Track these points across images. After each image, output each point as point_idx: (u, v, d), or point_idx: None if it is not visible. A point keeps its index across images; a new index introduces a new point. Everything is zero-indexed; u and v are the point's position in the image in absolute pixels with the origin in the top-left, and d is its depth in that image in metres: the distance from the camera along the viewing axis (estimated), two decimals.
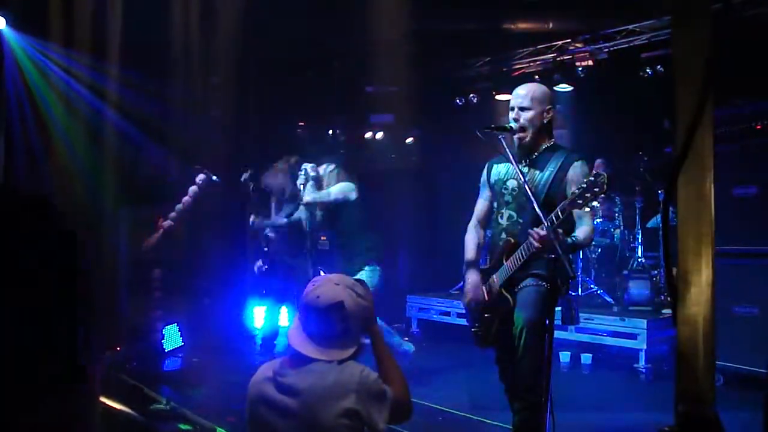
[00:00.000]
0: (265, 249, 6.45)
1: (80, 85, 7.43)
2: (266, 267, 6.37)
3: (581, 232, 3.71)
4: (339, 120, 10.25)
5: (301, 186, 5.85)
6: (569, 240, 3.61)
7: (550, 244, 3.33)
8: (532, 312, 3.63)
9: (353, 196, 5.92)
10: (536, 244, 3.49)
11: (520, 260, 3.70)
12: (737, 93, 5.78)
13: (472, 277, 4.03)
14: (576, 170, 3.77)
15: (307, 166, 5.92)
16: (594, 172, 3.33)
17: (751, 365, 5.17)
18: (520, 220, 3.86)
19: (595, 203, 3.34)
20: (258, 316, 6.48)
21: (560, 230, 3.48)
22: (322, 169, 6.00)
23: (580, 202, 3.32)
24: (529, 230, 3.50)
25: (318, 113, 9.88)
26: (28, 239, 1.00)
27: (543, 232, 3.42)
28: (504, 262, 3.81)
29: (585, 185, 3.29)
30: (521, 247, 3.69)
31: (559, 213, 3.41)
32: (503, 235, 3.91)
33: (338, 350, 2.48)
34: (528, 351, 3.60)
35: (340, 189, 5.91)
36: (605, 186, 3.22)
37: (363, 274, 5.79)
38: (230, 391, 4.88)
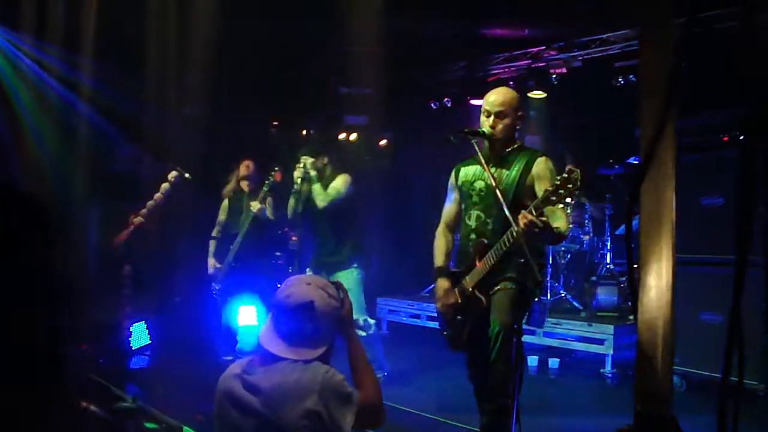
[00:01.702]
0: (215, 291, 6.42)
1: (52, 77, 7.35)
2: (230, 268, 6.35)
3: (560, 223, 3.72)
4: (313, 120, 10.24)
5: (299, 179, 5.70)
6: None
7: (535, 228, 3.36)
8: (509, 315, 3.65)
9: (352, 187, 5.88)
10: (521, 225, 3.42)
11: (492, 261, 3.72)
12: (707, 104, 5.87)
13: (443, 284, 4.04)
14: (540, 166, 3.82)
15: (307, 161, 5.75)
16: (567, 168, 3.34)
17: (714, 371, 5.26)
18: (489, 220, 3.88)
19: (568, 199, 3.35)
20: (242, 314, 6.44)
21: (543, 219, 3.44)
22: (319, 162, 5.87)
23: (554, 198, 3.34)
24: (523, 212, 3.46)
25: (292, 113, 9.87)
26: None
27: (530, 216, 3.42)
28: (476, 263, 3.83)
29: (558, 181, 3.31)
30: (494, 248, 3.71)
31: (533, 211, 3.44)
32: (473, 236, 3.93)
33: (307, 349, 2.46)
34: (503, 354, 3.62)
35: (345, 184, 5.83)
36: (578, 182, 3.25)
37: (353, 271, 5.80)
38: (198, 389, 4.84)
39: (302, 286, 2.53)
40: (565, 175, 3.29)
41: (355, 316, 5.68)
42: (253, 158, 6.58)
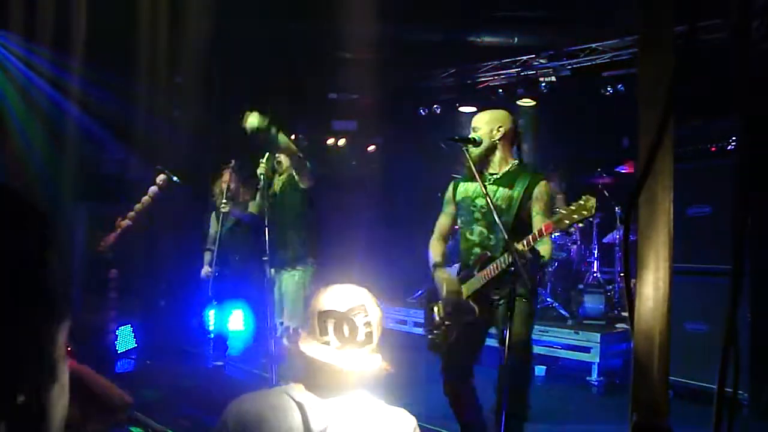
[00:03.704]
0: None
1: (40, 78, 7.31)
2: (216, 273, 6.19)
3: (545, 250, 3.76)
4: (302, 125, 10.24)
5: (261, 176, 5.60)
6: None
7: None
8: (519, 327, 3.65)
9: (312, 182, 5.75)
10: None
11: (491, 274, 3.74)
12: (693, 114, 5.91)
13: (444, 274, 4.05)
14: (540, 189, 3.88)
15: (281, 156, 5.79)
16: (583, 196, 3.41)
17: (700, 380, 5.28)
18: (492, 236, 3.92)
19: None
20: (212, 319, 6.42)
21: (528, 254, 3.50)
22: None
23: (567, 222, 3.40)
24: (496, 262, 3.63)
25: (281, 118, 9.85)
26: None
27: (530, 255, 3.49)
28: (475, 273, 3.85)
29: (573, 207, 3.36)
30: (494, 262, 3.73)
31: (543, 232, 3.48)
32: (476, 250, 3.95)
33: (371, 347, 2.22)
34: (520, 366, 3.64)
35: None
36: (594, 210, 3.33)
37: (308, 270, 5.67)
38: (183, 394, 4.81)
39: (347, 289, 2.26)
40: (581, 203, 3.34)
41: (288, 323, 5.47)
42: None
